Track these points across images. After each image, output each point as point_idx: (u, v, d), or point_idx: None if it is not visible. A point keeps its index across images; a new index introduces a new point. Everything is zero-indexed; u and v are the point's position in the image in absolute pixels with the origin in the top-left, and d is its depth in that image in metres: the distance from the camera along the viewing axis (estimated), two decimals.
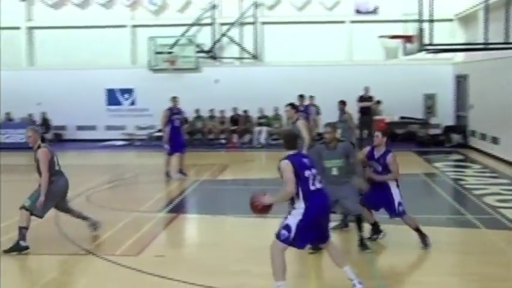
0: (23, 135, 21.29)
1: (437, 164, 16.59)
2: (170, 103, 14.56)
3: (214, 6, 23.39)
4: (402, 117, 22.35)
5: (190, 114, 22.49)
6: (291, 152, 6.11)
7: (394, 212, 8.06)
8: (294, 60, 23.14)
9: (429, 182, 14.02)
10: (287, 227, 5.96)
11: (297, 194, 5.92)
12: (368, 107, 20.37)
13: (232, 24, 23.40)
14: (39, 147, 8.27)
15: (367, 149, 8.30)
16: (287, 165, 5.94)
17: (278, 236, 5.99)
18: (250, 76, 22.94)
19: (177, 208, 11.22)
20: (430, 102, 22.32)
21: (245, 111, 22.46)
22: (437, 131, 21.87)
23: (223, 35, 23.48)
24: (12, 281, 7.07)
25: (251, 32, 23.49)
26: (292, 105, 10.96)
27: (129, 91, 23.88)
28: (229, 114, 22.68)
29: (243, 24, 23.66)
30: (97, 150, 21.51)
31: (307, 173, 5.98)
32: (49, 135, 22.63)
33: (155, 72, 23.49)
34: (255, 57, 23.39)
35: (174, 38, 23.10)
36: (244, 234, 9.27)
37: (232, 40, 23.55)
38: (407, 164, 16.89)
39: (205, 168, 16.13)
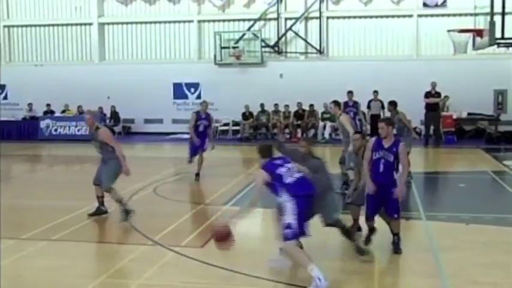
0: None
1: (507, 162, 16.10)
2: (199, 107, 14.26)
3: (279, 1, 23.46)
4: (470, 114, 21.81)
5: (255, 109, 22.71)
6: (264, 161, 6.67)
7: (396, 212, 7.51)
8: (360, 54, 22.97)
9: (498, 180, 13.63)
10: (289, 226, 6.34)
11: (276, 192, 6.44)
12: (435, 103, 19.96)
13: (297, 18, 23.40)
14: (97, 128, 8.86)
15: (372, 141, 7.75)
16: (259, 173, 6.56)
17: (285, 238, 6.38)
18: (315, 71, 22.89)
19: (242, 202, 11.31)
20: (500, 98, 21.62)
21: (311, 106, 22.37)
22: (508, 128, 21.21)
23: (289, 29, 23.52)
24: (86, 267, 7.39)
25: (316, 26, 23.42)
26: (335, 102, 11.62)
27: (195, 85, 24.27)
28: (293, 108, 22.69)
29: (308, 18, 23.63)
30: (164, 143, 21.99)
31: (279, 170, 6.47)
32: (118, 128, 23.32)
33: (221, 67, 23.77)
34: (320, 51, 23.31)
35: (240, 32, 23.35)
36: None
37: (297, 34, 23.57)
38: (475, 161, 16.60)
39: None
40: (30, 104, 24.46)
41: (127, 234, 8.73)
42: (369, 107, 20.75)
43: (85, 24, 25.27)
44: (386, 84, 20.46)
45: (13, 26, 26.08)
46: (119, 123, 23.77)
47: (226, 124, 23.52)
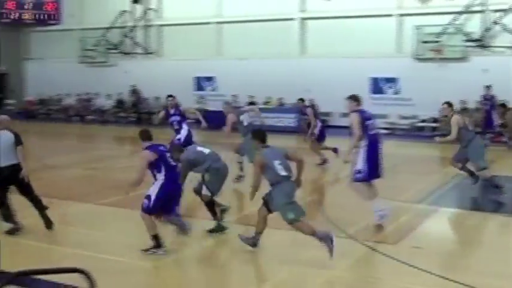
0: (293, 120, 23.19)
1: None
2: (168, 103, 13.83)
3: None
4: None
5: (456, 106, 21.86)
6: (148, 144, 7.59)
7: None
8: None
9: None
10: (148, 197, 7.38)
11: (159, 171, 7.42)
12: None
13: (505, 10, 22.05)
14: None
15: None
16: (144, 155, 7.46)
17: (142, 206, 7.38)
18: None
19: (438, 201, 11.14)
20: None
21: None
22: None
23: (495, 22, 22.26)
24: (278, 253, 7.71)
25: None
26: (448, 103, 11.54)
27: (393, 80, 24.07)
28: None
29: None
30: None
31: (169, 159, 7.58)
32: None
33: (420, 62, 23.29)
34: None
35: (441, 26, 22.62)
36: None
37: (505, 28, 22.20)
38: None
39: None
40: (234, 96, 26.06)
41: (320, 225, 9.04)
42: None
43: (286, 19, 26.27)
44: None
45: (223, 23, 27.99)
46: (318, 116, 24.36)
47: (423, 120, 23.02)
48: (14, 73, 32.66)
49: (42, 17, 31.35)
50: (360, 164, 8.82)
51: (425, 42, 22.89)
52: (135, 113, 27.88)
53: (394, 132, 22.88)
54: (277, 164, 7.36)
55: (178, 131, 12.94)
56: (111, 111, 28.77)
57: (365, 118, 8.85)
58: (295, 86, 24.41)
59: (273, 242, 8.01)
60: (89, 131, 25.78)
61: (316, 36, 25.85)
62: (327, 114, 25.13)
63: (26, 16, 31.35)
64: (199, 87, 28.29)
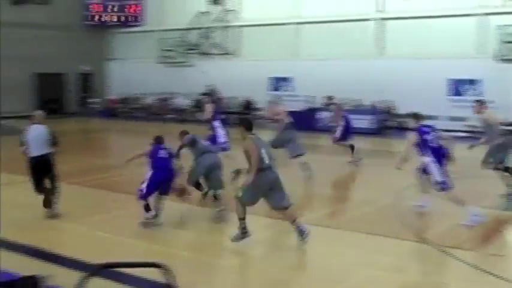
0: (369, 121, 22.94)
1: None
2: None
3: None
4: None
5: None
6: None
7: None
8: None
9: None
10: None
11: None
12: None
13: None
14: None
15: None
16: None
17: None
18: None
19: None
20: None
21: None
22: None
23: None
24: (355, 256, 7.72)
25: None
26: (478, 101, 12.00)
27: (473, 82, 23.37)
28: None
29: None
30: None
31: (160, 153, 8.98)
32: (393, 122, 23.62)
33: (503, 63, 22.50)
34: None
35: None
36: None
37: None
38: None
39: None
40: (312, 97, 25.99)
41: (395, 228, 8.95)
42: None
43: (363, 20, 25.99)
44: None
45: (302, 23, 27.98)
46: (392, 118, 24.05)
47: (510, 124, 22.15)
48: (97, 73, 33.91)
49: (125, 19, 32.45)
50: (439, 176, 9.11)
51: (509, 42, 22.09)
52: None
53: (474, 135, 22.16)
54: (263, 153, 7.59)
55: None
56: (189, 111, 29.35)
57: (423, 133, 9.36)
58: (372, 87, 24.14)
59: (350, 246, 8.06)
60: (168, 129, 26.32)
61: (394, 36, 25.43)
62: (405, 115, 24.73)
63: (110, 18, 32.54)
64: (275, 88, 28.43)
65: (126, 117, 30.52)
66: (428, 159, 9.17)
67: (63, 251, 7.58)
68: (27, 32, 29.46)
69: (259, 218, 8.67)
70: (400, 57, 24.81)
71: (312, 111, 25.01)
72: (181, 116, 29.13)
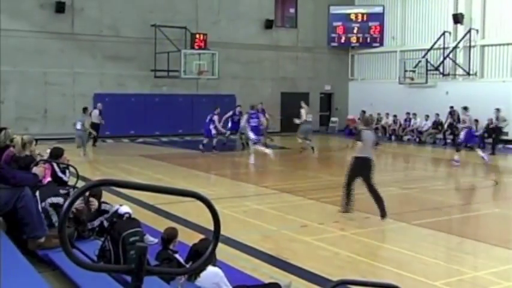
0: None
1: None
2: None
3: None
4: None
5: None
6: None
7: None
8: None
9: None
10: None
11: None
12: None
13: None
14: None
15: None
16: None
17: None
18: None
19: None
20: None
21: None
22: None
23: None
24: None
25: None
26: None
27: None
28: None
29: None
30: None
31: None
32: None
33: None
34: None
35: None
36: None
37: None
38: None
39: None
40: None
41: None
42: None
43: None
44: None
45: None
46: None
47: None
48: (338, 92, 35.12)
49: (367, 40, 33.22)
50: None
51: None
52: (451, 134, 27.52)
53: None
54: None
55: None
56: (428, 132, 28.93)
57: None
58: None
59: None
60: (406, 151, 26.29)
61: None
62: None
63: (353, 39, 33.58)
64: None
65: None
66: None
67: (301, 262, 8.24)
68: (278, 54, 31.96)
69: None
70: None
71: None
72: (420, 137, 28.85)
